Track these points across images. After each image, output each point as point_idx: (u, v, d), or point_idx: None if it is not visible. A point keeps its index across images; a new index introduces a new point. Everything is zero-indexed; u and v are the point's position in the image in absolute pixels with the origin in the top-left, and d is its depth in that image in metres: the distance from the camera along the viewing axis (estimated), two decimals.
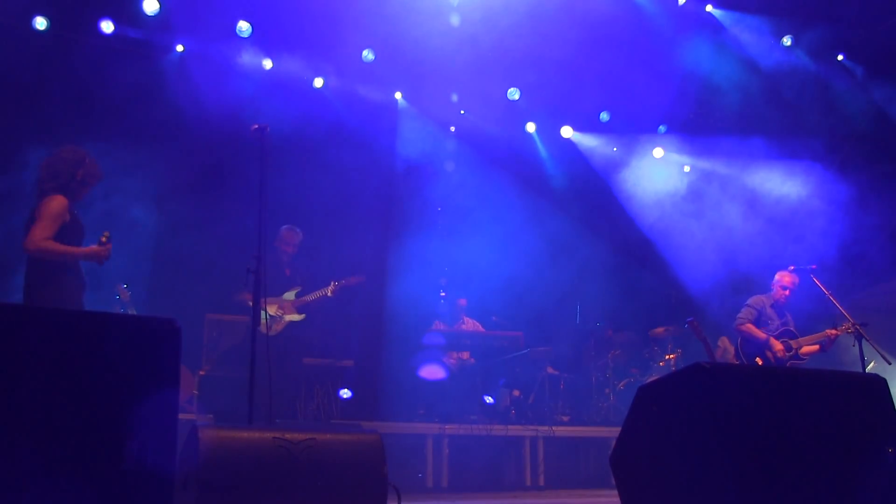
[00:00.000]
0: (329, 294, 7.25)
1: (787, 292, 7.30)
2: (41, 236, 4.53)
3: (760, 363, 7.01)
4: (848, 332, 6.83)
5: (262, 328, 5.89)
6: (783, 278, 7.33)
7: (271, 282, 6.68)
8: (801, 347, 7.09)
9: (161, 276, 8.04)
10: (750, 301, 7.33)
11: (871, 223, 9.06)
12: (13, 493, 2.30)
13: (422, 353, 7.89)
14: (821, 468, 3.03)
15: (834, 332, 6.96)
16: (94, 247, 4.71)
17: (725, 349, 9.21)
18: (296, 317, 7.14)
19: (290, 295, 7.18)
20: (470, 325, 8.75)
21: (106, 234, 4.73)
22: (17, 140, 7.09)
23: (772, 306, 7.29)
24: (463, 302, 8.79)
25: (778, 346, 7.01)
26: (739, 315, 7.26)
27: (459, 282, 8.90)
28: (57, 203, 4.62)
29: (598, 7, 8.38)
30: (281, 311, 7.04)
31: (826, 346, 7.05)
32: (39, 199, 4.68)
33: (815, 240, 8.97)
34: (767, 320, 7.21)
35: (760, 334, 7.09)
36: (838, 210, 9.15)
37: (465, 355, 8.38)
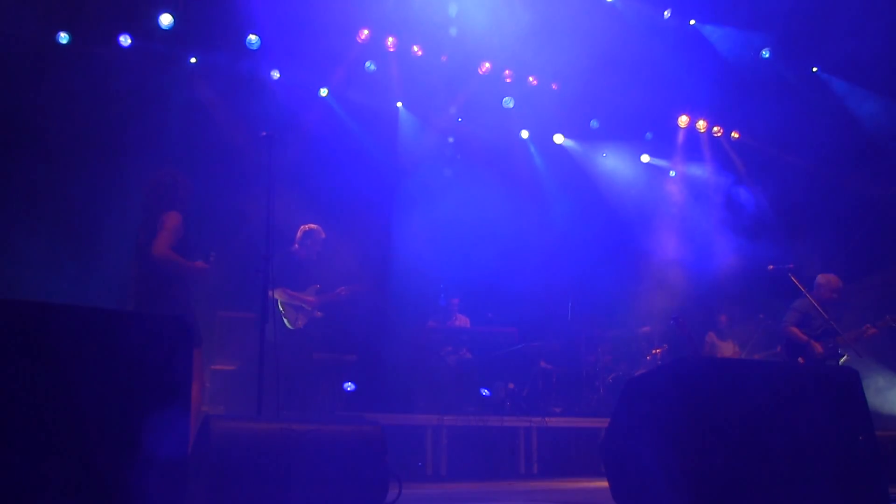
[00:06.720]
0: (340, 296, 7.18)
1: (835, 296, 7.10)
2: (166, 245, 4.61)
3: (802, 362, 6.89)
4: (892, 326, 6.99)
5: (288, 323, 6.03)
6: (831, 282, 7.12)
7: (300, 276, 6.78)
8: (842, 344, 6.98)
9: None
10: (795, 304, 7.14)
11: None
12: (33, 483, 2.30)
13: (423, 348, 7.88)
14: (797, 453, 3.04)
15: (873, 328, 7.04)
16: (200, 262, 4.79)
17: (713, 344, 9.20)
18: (317, 314, 7.05)
19: (311, 291, 7.07)
20: (462, 321, 8.73)
21: (213, 254, 4.85)
22: (43, 147, 7.10)
23: (815, 308, 6.97)
24: (455, 301, 8.77)
25: (818, 348, 6.88)
26: (786, 318, 7.15)
27: (457, 280, 8.89)
28: (175, 217, 4.71)
29: (590, 21, 8.42)
30: (309, 307, 6.92)
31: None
32: (158, 213, 4.73)
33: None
34: (811, 321, 7.02)
35: (802, 336, 6.97)
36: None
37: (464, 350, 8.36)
